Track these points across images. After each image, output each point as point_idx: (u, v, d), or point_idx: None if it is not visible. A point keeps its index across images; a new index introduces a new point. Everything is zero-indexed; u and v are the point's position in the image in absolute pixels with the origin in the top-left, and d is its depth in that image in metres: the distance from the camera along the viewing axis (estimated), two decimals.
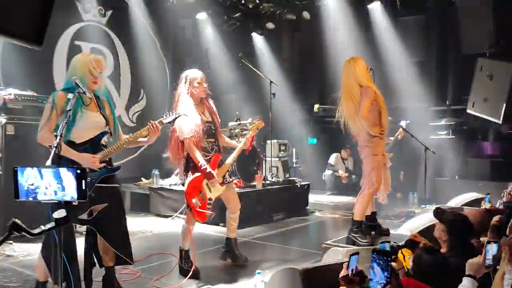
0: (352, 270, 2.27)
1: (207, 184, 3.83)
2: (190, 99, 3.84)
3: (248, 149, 4.21)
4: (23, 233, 1.50)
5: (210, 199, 3.83)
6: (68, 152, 2.88)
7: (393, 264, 2.40)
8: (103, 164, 3.01)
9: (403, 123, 6.98)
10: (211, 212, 3.84)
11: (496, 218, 2.87)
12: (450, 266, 2.48)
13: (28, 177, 1.66)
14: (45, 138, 2.87)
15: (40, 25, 1.21)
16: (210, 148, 3.89)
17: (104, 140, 3.14)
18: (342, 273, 2.31)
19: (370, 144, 3.90)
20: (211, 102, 4.06)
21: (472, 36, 7.29)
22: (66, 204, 1.68)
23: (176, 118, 3.46)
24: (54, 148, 2.27)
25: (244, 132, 7.05)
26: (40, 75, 6.03)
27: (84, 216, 3.01)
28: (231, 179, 4.06)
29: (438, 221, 3.05)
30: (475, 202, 4.97)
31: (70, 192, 1.67)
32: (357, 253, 2.35)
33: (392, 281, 1.96)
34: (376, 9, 8.68)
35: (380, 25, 8.66)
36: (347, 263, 2.32)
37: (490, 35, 7.01)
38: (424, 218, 4.58)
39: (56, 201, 1.73)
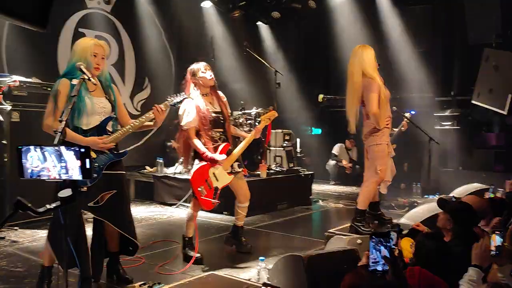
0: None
1: (213, 173, 3.84)
2: (197, 91, 3.86)
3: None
4: (28, 211, 1.51)
5: (216, 188, 3.84)
6: (74, 138, 2.89)
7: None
8: (112, 144, 3.02)
9: (407, 115, 6.96)
10: (217, 201, 3.85)
11: (495, 220, 2.87)
12: (453, 253, 2.48)
13: (32, 158, 1.67)
14: (51, 127, 2.88)
15: (44, 7, 1.20)
16: (218, 138, 3.90)
17: (109, 126, 3.15)
18: (363, 261, 2.31)
19: (375, 133, 3.89)
20: (220, 92, 4.06)
21: (478, 26, 7.22)
22: (73, 185, 1.69)
23: (181, 100, 3.45)
24: (58, 133, 2.28)
25: (248, 122, 7.06)
26: (44, 62, 6.03)
27: (92, 203, 3.04)
28: (240, 169, 4.06)
29: (441, 211, 3.05)
30: (479, 193, 4.96)
31: (75, 172, 1.68)
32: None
33: (393, 265, 1.96)
34: None
35: (386, 14, 8.58)
36: (368, 252, 2.32)
37: (497, 26, 6.94)
38: (427, 208, 4.59)
39: (61, 180, 1.74)
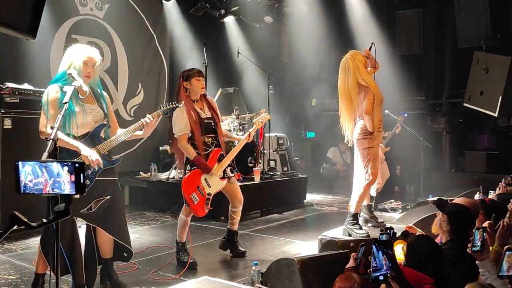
0: (360, 259, 2.30)
1: (205, 179, 3.84)
2: (188, 97, 3.86)
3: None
4: (23, 225, 1.51)
5: (209, 194, 3.84)
6: (68, 143, 2.88)
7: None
8: (100, 164, 3.00)
9: (400, 118, 7.02)
10: (210, 207, 3.86)
11: (485, 224, 2.89)
12: (445, 254, 2.51)
13: (27, 172, 1.67)
14: (46, 134, 2.88)
15: (34, 16, 1.21)
16: (210, 143, 3.91)
17: (102, 133, 3.15)
18: (350, 263, 2.33)
19: (367, 136, 3.92)
20: (210, 97, 4.09)
21: (468, 30, 7.28)
22: (66, 198, 1.69)
23: (173, 108, 3.47)
24: (51, 141, 2.27)
25: (242, 126, 7.08)
26: (37, 68, 6.01)
27: (86, 210, 3.04)
28: (232, 174, 4.07)
29: (439, 212, 3.05)
30: (470, 195, 5.00)
31: (68, 186, 1.69)
32: (364, 245, 2.38)
33: (393, 272, 1.97)
34: (373, 2, 8.66)
35: (377, 18, 8.65)
36: (355, 254, 2.34)
37: (487, 29, 7.01)
38: (420, 210, 4.63)
39: (55, 195, 1.75)
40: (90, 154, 2.90)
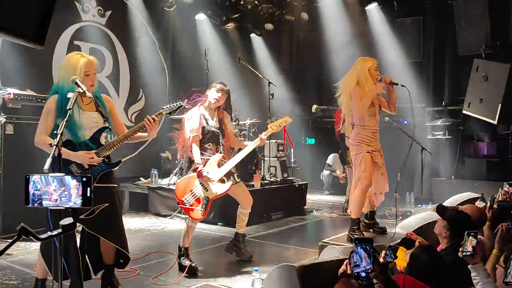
0: (350, 264, 2.31)
1: (201, 183, 3.89)
2: (206, 103, 4.05)
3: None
4: (31, 237, 1.53)
5: (206, 198, 3.87)
6: (63, 153, 2.88)
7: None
8: (101, 159, 3.03)
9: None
10: (201, 209, 3.86)
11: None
12: (447, 264, 2.52)
13: (34, 184, 1.70)
14: (41, 142, 2.90)
15: (42, 24, 1.22)
16: (213, 150, 4.02)
17: (103, 136, 3.15)
18: (342, 268, 2.35)
19: (359, 143, 4.05)
20: (226, 113, 4.17)
21: (468, 37, 7.34)
22: (73, 210, 1.72)
23: (176, 109, 3.49)
24: (54, 147, 2.27)
25: (242, 133, 7.11)
26: (39, 75, 6.05)
27: (84, 216, 3.03)
28: (239, 180, 4.14)
29: (439, 217, 3.06)
30: (470, 202, 5.01)
31: (75, 199, 1.72)
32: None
33: (375, 268, 1.97)
34: (373, 10, 8.73)
35: (378, 26, 8.71)
36: (348, 260, 2.35)
37: (486, 36, 7.07)
38: (420, 217, 4.63)
39: (63, 208, 1.77)
40: (85, 159, 2.93)
